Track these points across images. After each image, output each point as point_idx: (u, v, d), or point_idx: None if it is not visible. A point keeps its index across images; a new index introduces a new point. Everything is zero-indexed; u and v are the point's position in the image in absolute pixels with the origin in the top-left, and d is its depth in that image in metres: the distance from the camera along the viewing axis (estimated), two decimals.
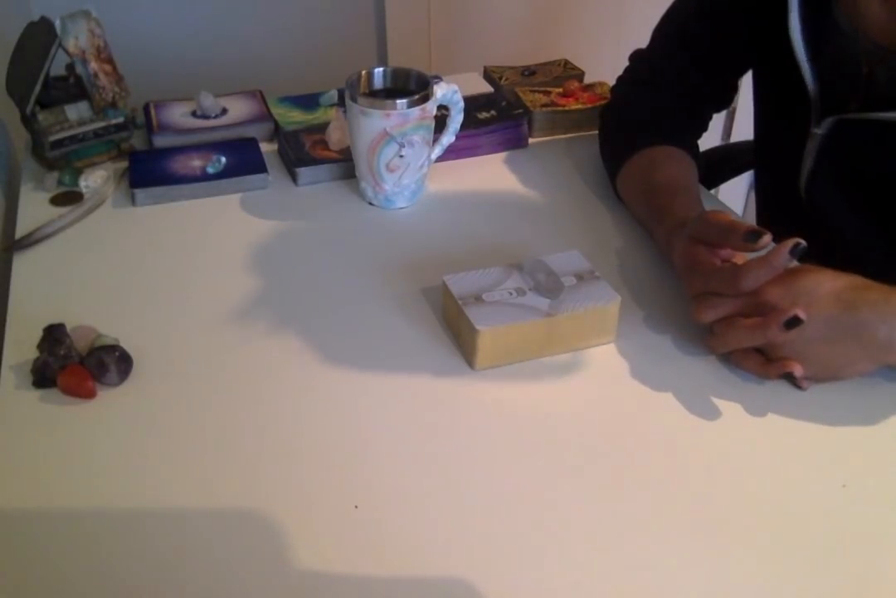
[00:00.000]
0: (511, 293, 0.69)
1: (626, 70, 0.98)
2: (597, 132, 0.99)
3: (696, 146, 0.93)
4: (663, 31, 0.93)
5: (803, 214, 0.86)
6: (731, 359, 0.68)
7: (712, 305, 0.66)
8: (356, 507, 0.57)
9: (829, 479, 0.59)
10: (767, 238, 0.63)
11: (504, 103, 1.05)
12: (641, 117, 0.92)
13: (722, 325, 0.67)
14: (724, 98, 0.94)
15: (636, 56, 0.97)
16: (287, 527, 0.56)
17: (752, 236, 0.64)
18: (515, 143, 1.03)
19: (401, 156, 0.86)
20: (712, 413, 0.65)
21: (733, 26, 0.85)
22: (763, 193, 1.00)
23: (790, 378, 0.65)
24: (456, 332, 0.71)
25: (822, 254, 0.65)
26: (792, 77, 0.79)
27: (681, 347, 0.71)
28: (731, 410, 0.65)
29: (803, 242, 0.62)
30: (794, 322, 0.61)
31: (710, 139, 1.02)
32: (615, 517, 0.57)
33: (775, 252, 0.63)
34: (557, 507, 0.57)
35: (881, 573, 0.53)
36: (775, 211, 0.83)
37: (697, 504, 0.58)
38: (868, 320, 0.61)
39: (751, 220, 0.97)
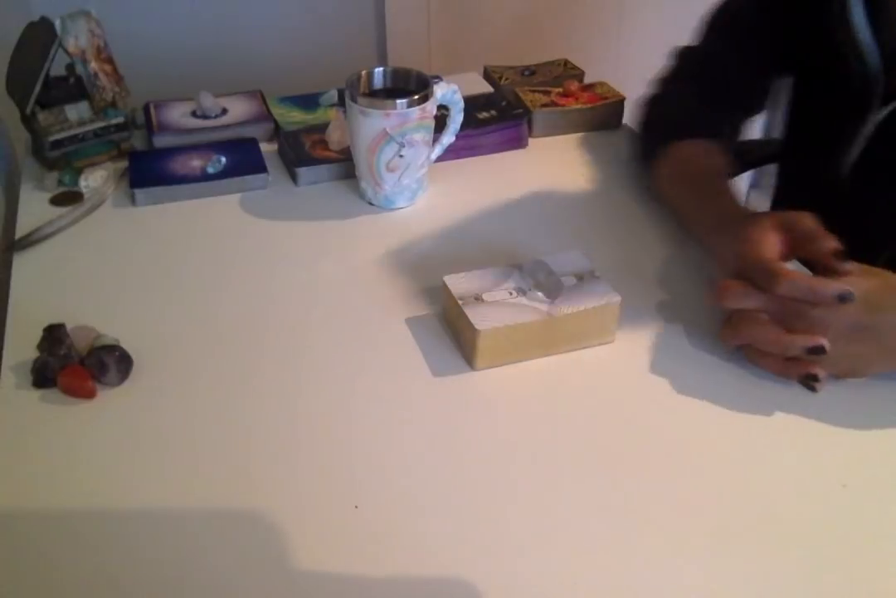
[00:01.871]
0: (511, 293, 0.69)
1: (673, 65, 0.97)
2: (597, 132, 0.99)
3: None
4: (716, 25, 0.92)
5: (841, 202, 0.86)
6: (747, 354, 0.68)
7: (738, 293, 0.65)
8: (356, 507, 0.57)
9: (829, 479, 0.59)
10: (851, 267, 0.63)
11: (504, 103, 1.05)
12: (694, 108, 0.92)
13: (743, 321, 0.66)
14: (764, 101, 0.95)
15: (684, 52, 0.96)
16: (287, 527, 0.56)
17: (841, 257, 0.63)
18: (515, 143, 1.03)
19: (401, 156, 0.86)
20: (712, 413, 0.65)
21: (788, 18, 0.85)
22: (791, 182, 0.99)
23: (807, 379, 0.64)
24: (456, 332, 0.71)
25: (859, 244, 0.65)
26: (847, 67, 0.79)
27: (681, 347, 0.71)
28: (731, 410, 0.65)
29: (853, 294, 0.61)
30: (818, 351, 0.62)
31: None
32: (615, 517, 0.57)
33: (825, 287, 0.62)
34: (558, 507, 0.57)
35: (881, 573, 0.53)
36: (805, 200, 0.83)
37: (697, 503, 0.58)
38: (891, 323, 0.62)
39: None
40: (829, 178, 0.87)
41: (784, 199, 1.01)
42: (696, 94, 0.93)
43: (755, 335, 0.66)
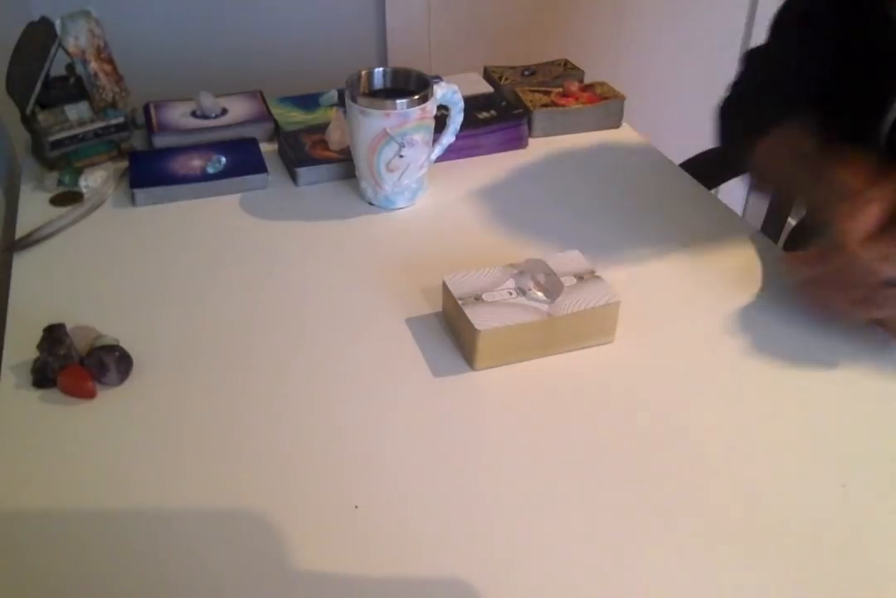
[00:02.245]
0: (511, 293, 0.69)
1: (745, 68, 0.97)
2: (597, 132, 0.99)
3: None
4: (782, 24, 0.92)
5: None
6: (816, 301, 0.73)
7: (802, 262, 0.71)
8: (356, 507, 0.57)
9: (829, 479, 0.59)
10: None
11: (504, 103, 1.05)
12: (774, 105, 0.92)
13: (815, 286, 0.72)
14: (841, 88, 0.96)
15: (754, 54, 0.96)
16: (287, 527, 0.56)
17: None
18: (515, 143, 1.03)
19: (401, 156, 0.86)
20: (712, 413, 0.65)
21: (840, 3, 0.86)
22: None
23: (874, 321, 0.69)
24: (456, 332, 0.71)
25: None
26: (889, 35, 0.80)
27: (680, 347, 0.71)
28: (730, 410, 0.65)
29: None
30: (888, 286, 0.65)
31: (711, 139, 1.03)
32: (614, 517, 0.57)
33: (879, 270, 0.64)
34: (557, 506, 0.57)
35: (881, 573, 0.53)
36: None
37: (696, 503, 0.58)
38: None
39: (755, 221, 0.98)
40: (866, 147, 0.87)
41: None
42: (773, 91, 0.93)
43: (827, 295, 0.70)
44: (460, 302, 0.68)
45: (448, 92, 0.88)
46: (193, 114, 1.05)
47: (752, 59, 0.98)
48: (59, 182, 0.93)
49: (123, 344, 0.69)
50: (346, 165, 0.94)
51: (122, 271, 0.81)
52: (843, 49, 0.91)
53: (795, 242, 1.09)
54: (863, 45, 0.88)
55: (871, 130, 0.87)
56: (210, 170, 0.94)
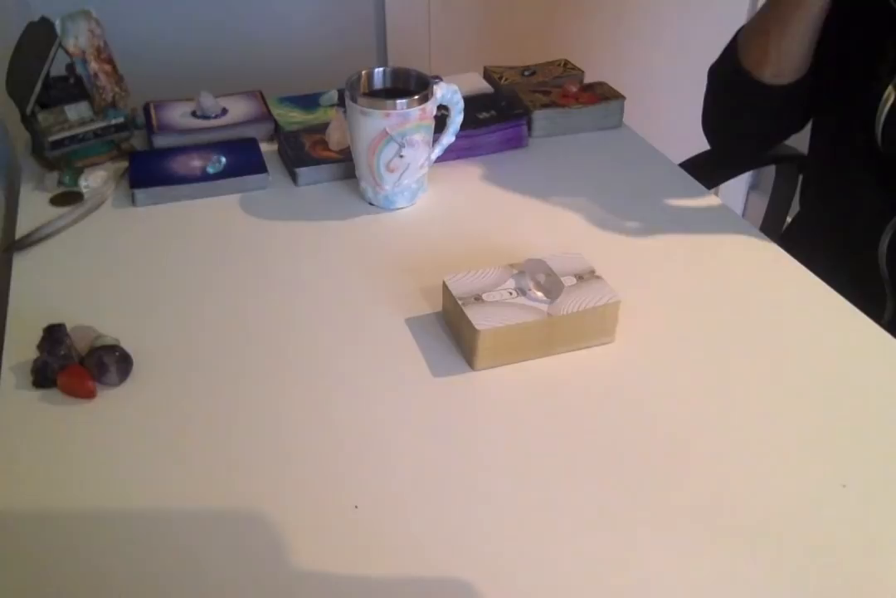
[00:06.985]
0: (511, 293, 0.69)
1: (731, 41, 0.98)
2: (597, 132, 1.00)
3: None
4: None
5: (874, 164, 0.86)
6: None
7: None
8: (356, 507, 0.57)
9: (829, 479, 0.59)
10: None
11: (504, 103, 1.05)
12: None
13: None
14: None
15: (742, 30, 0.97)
16: (287, 527, 0.56)
17: None
18: (515, 143, 1.03)
19: (401, 156, 0.86)
20: (712, 413, 0.65)
21: None
22: (823, 151, 1.00)
23: None
24: (456, 332, 0.71)
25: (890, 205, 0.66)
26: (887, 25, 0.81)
27: (680, 347, 0.71)
28: (730, 410, 0.65)
29: None
30: None
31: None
32: (614, 517, 0.57)
33: None
34: (557, 506, 0.57)
35: (881, 573, 0.53)
36: (839, 167, 0.84)
37: (696, 503, 0.58)
38: None
39: (754, 221, 0.98)
40: (862, 141, 0.87)
41: (815, 169, 1.00)
42: None
43: None
44: (460, 302, 0.68)
45: (448, 92, 0.88)
46: (193, 114, 1.05)
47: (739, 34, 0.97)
48: (59, 182, 0.93)
49: (123, 344, 0.69)
50: (346, 165, 0.94)
51: (121, 271, 0.81)
52: (843, 36, 0.91)
53: (791, 239, 1.09)
54: (862, 31, 0.88)
55: (864, 121, 0.87)
56: (210, 170, 0.94)
